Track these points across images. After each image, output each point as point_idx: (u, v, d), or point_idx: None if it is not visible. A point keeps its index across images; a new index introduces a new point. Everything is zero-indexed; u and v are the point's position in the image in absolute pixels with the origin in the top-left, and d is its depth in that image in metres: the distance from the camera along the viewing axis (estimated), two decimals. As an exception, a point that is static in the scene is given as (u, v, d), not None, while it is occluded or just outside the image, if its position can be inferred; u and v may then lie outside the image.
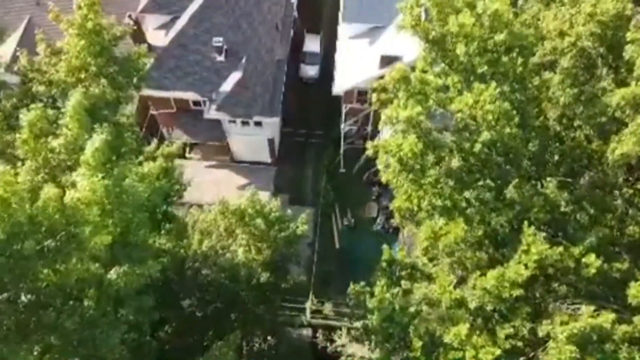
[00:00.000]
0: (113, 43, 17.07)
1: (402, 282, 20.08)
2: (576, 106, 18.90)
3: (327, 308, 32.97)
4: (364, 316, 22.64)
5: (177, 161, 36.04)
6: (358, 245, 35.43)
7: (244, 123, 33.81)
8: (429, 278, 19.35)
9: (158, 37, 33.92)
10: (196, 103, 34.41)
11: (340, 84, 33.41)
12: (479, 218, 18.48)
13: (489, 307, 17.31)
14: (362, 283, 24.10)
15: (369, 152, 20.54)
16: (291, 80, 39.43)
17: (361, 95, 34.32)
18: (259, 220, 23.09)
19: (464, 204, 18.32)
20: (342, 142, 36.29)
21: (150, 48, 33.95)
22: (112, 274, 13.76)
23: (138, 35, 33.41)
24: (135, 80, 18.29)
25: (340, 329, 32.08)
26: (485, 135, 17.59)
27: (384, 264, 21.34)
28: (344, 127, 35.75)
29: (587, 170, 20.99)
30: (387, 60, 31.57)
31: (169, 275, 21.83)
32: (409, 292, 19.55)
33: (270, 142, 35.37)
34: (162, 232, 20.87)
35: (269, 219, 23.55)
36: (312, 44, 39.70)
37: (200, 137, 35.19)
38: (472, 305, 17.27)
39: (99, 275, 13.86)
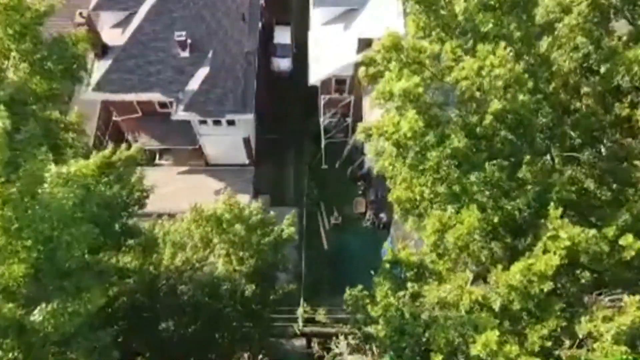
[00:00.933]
0: (37, 21, 13.52)
1: (409, 284, 16.76)
2: (593, 63, 15.96)
3: (321, 314, 29.68)
4: (365, 323, 19.38)
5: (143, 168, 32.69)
6: (348, 244, 32.17)
7: (216, 123, 30.29)
8: (440, 277, 16.11)
9: (115, 36, 30.18)
10: (163, 105, 30.78)
11: (316, 74, 30.11)
12: (492, 203, 15.35)
13: (516, 307, 14.15)
14: (360, 287, 20.82)
15: (360, 136, 17.34)
16: (263, 75, 36.02)
17: (339, 84, 31.07)
18: (238, 226, 19.66)
19: (474, 188, 15.16)
20: (322, 137, 33.02)
21: (107, 48, 30.42)
22: (36, 316, 10.19)
23: (93, 36, 29.74)
24: (73, 68, 14.64)
25: (337, 337, 28.83)
26: (496, 105, 14.45)
27: (386, 265, 18.01)
28: (323, 120, 32.47)
29: (604, 141, 18.08)
30: (365, 44, 28.34)
31: (138, 298, 18.30)
32: (418, 295, 16.28)
33: (246, 141, 31.91)
34: (125, 249, 17.33)
35: (249, 224, 20.14)
36: (283, 36, 36.29)
37: (170, 141, 31.56)
38: (497, 305, 14.09)
39: (16, 319, 10.26)
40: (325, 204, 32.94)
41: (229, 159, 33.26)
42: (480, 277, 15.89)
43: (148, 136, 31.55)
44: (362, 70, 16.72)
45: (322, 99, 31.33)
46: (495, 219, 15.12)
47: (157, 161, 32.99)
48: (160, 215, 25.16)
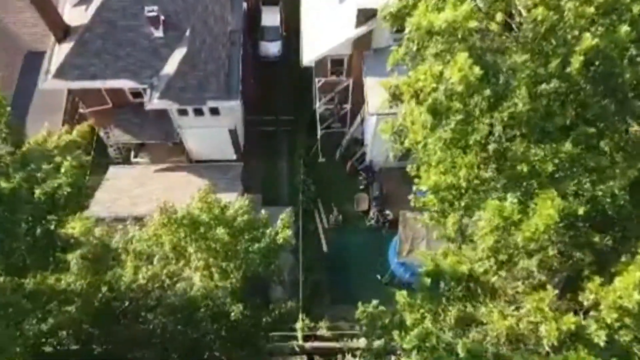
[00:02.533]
0: None
1: (457, 304, 11.48)
2: None
3: (323, 327, 24.40)
4: (387, 351, 14.13)
5: (114, 169, 26.97)
6: (350, 245, 26.78)
7: (198, 113, 24.82)
8: (503, 296, 10.89)
9: (77, 16, 24.59)
10: (136, 94, 25.25)
11: (310, 54, 24.73)
12: (573, 187, 10.17)
13: (627, 337, 8.99)
14: (375, 302, 15.55)
15: (389, 92, 12.02)
16: (250, 61, 30.64)
17: (336, 65, 25.75)
18: (219, 231, 14.31)
19: (550, 167, 9.95)
20: (318, 127, 27.68)
21: (69, 30, 24.87)
22: None
23: (52, 16, 24.25)
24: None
25: (344, 354, 23.54)
26: (588, 42, 9.27)
27: (426, 280, 12.59)
28: (319, 106, 27.13)
29: None
30: (367, 15, 23.16)
31: (85, 329, 12.87)
32: (471, 319, 11.02)
33: (233, 133, 26.48)
34: (63, 265, 11.93)
35: (234, 227, 14.79)
36: (271, 17, 30.83)
37: (146, 135, 26.03)
38: (601, 339, 8.90)
39: None
40: (323, 202, 27.55)
41: (215, 155, 27.80)
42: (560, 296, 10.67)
43: (120, 130, 26.01)
44: (382, 8, 11.46)
45: (317, 83, 26.00)
46: (580, 211, 9.94)
47: (132, 159, 27.45)
48: (129, 220, 19.77)
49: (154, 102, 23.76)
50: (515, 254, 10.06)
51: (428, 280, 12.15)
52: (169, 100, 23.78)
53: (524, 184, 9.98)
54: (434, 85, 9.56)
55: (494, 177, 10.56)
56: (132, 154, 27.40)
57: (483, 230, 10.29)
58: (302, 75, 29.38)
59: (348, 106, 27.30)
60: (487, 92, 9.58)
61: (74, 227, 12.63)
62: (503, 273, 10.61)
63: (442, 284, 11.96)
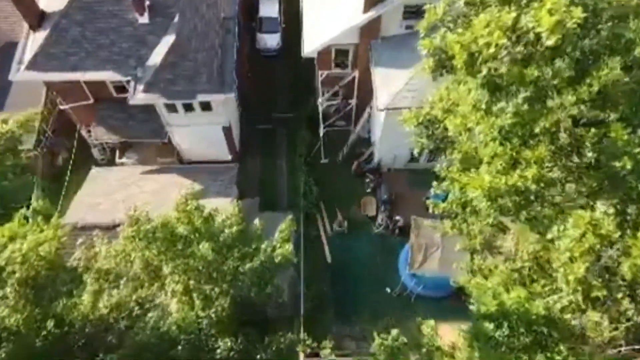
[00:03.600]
0: None
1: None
2: None
3: (327, 349, 20.92)
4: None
5: (97, 170, 23.44)
6: (355, 255, 23.30)
7: (188, 108, 21.38)
8: (594, 347, 7.53)
9: (53, 1, 21.27)
10: (120, 88, 21.73)
11: (312, 43, 21.33)
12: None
13: None
14: (395, 332, 12.10)
15: (432, 57, 8.63)
16: (247, 53, 27.27)
17: (341, 56, 22.37)
18: (203, 246, 10.93)
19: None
20: (321, 125, 24.26)
21: (44, 16, 21.44)
22: None
23: (24, 0, 20.83)
24: None
25: (351, 380, 20.05)
26: None
27: (487, 327, 9.00)
28: (321, 102, 23.72)
29: None
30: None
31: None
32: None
33: (227, 131, 23.05)
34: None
35: (221, 241, 11.39)
36: (269, 8, 27.40)
37: (131, 134, 22.56)
38: None
39: None
40: (326, 206, 24.11)
41: (208, 155, 24.37)
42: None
43: (103, 128, 22.57)
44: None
45: (320, 76, 22.60)
46: None
47: (117, 160, 23.99)
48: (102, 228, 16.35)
49: (138, 96, 20.31)
50: (615, 288, 6.72)
51: (490, 327, 8.59)
52: (156, 94, 20.33)
53: (627, 186, 6.66)
54: (504, 41, 6.21)
55: (575, 179, 7.22)
56: (118, 154, 23.94)
57: (567, 254, 6.91)
58: (303, 69, 25.99)
59: (354, 102, 23.89)
60: (577, 53, 6.23)
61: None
62: (595, 315, 7.23)
63: (503, 327, 8.48)
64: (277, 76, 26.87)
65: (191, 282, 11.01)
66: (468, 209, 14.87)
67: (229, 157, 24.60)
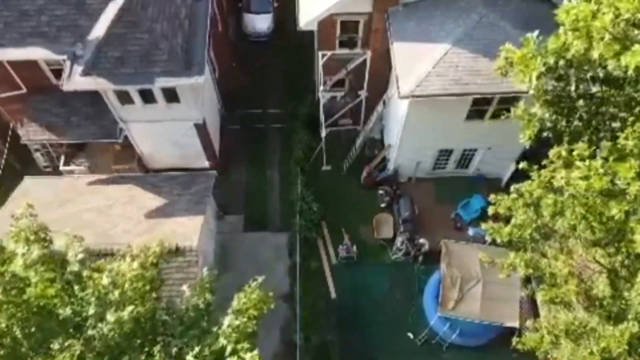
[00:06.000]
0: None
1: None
2: None
3: None
4: None
5: (30, 180, 16.72)
6: (368, 290, 17.03)
7: (147, 98, 15.31)
8: None
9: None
10: (61, 73, 15.76)
11: (309, 12, 15.34)
12: None
13: None
14: None
15: None
16: (232, 39, 21.34)
17: (348, 30, 16.33)
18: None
19: None
20: (322, 123, 18.16)
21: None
22: None
23: None
24: None
25: None
26: None
27: None
28: (323, 95, 17.64)
29: None
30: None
31: None
32: None
33: (202, 131, 16.89)
34: None
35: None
36: (259, -17, 21.56)
37: (74, 133, 16.30)
38: None
39: None
40: (330, 226, 17.92)
41: (178, 161, 18.17)
42: None
43: (38, 125, 16.45)
44: None
45: (321, 58, 16.53)
46: None
47: (62, 167, 17.82)
48: None
49: (74, 79, 14.10)
50: None
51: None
52: (99, 78, 14.15)
53: None
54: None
55: None
56: (63, 159, 17.76)
57: None
58: (300, 57, 19.98)
59: (363, 93, 17.81)
60: None
61: None
62: None
63: None
64: (268, 66, 20.75)
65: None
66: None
67: (207, 164, 18.49)
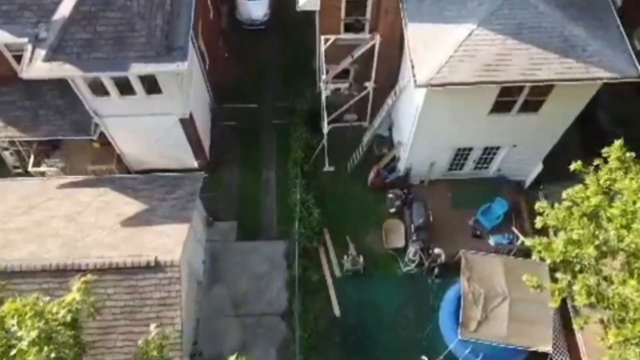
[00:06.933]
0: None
1: None
2: None
3: None
4: None
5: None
6: (376, 306, 14.61)
7: (123, 87, 13.02)
8: None
9: None
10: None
11: (311, -10, 13.14)
12: None
13: None
14: None
15: None
16: (225, 27, 19.12)
17: (354, 10, 14.05)
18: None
19: None
20: (323, 119, 15.93)
21: None
22: None
23: None
24: None
25: None
26: None
27: None
28: (325, 86, 15.38)
29: None
30: None
31: None
32: None
33: (188, 126, 14.65)
34: None
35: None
36: (254, -36, 19.29)
37: (42, 129, 14.02)
38: None
39: None
40: (333, 234, 15.65)
41: (165, 161, 15.96)
42: None
43: (4, 121, 14.17)
44: None
45: (322, 43, 14.28)
46: None
47: (31, 168, 15.56)
48: None
49: (36, 66, 11.80)
50: None
51: None
52: (65, 64, 11.94)
53: None
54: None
55: None
56: (32, 159, 15.50)
57: None
58: (299, 46, 17.79)
59: (371, 85, 15.55)
60: None
61: None
62: None
63: None
64: (264, 56, 18.50)
65: None
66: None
67: (195, 165, 16.25)
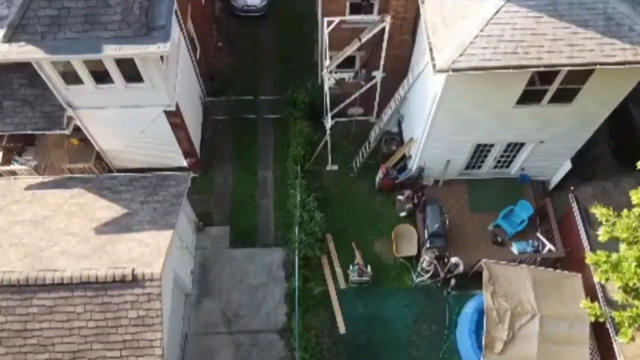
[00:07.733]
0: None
1: None
2: None
3: None
4: None
5: None
6: (386, 323, 12.90)
7: (99, 75, 11.33)
8: None
9: None
10: (-12, 45, 11.73)
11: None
12: None
13: None
14: None
15: None
16: (218, 14, 17.34)
17: (362, -12, 12.32)
18: None
19: None
20: (327, 113, 14.13)
21: None
22: None
23: None
24: None
25: None
26: None
27: None
28: (327, 76, 13.58)
29: None
30: None
31: None
32: None
33: (174, 119, 12.86)
34: None
35: None
36: (250, -55, 17.48)
37: (10, 122, 12.22)
38: None
39: None
40: (337, 240, 13.86)
41: (151, 159, 14.18)
42: None
43: (-36, 113, 12.41)
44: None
45: (325, 26, 12.49)
46: None
47: (0, 167, 13.76)
48: None
49: (-6, 47, 10.15)
50: None
51: None
52: (27, 45, 10.17)
53: None
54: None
55: None
56: (2, 156, 13.69)
57: None
58: (299, 33, 16.00)
59: (379, 74, 13.75)
60: None
61: None
62: None
63: None
64: (261, 44, 16.72)
65: None
66: None
67: (185, 164, 14.44)
